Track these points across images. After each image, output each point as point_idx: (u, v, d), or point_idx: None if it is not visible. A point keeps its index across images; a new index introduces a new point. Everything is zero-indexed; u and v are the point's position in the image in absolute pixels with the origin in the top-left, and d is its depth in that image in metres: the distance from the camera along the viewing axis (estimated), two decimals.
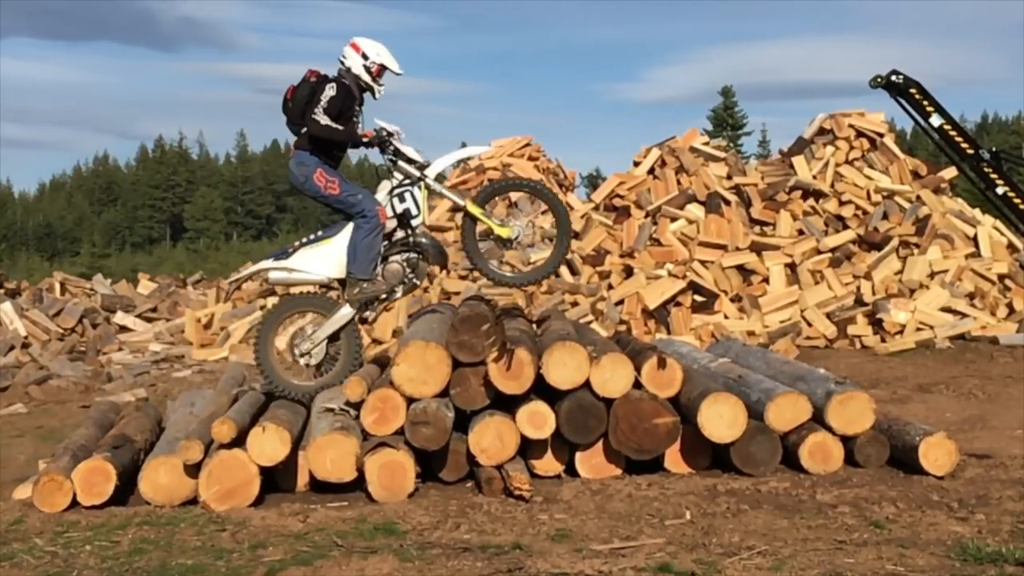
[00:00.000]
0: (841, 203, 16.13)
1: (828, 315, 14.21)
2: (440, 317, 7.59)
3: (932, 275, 14.70)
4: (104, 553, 5.35)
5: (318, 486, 6.54)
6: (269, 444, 6.30)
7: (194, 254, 64.57)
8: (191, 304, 17.68)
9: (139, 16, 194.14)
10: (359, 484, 6.39)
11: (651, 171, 16.94)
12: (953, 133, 16.59)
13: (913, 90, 16.38)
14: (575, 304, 14.29)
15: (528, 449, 6.73)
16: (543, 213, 13.79)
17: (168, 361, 14.83)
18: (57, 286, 18.21)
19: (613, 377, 6.67)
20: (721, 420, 6.62)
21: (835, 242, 15.36)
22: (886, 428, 6.95)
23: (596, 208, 16.63)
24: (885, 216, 15.72)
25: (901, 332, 13.70)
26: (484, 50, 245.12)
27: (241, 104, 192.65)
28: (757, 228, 15.91)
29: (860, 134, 16.88)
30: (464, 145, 9.34)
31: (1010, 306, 14.56)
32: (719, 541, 5.30)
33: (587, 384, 6.66)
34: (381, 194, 7.40)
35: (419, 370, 6.66)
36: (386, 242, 7.36)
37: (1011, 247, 15.87)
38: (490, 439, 6.54)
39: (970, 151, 16.53)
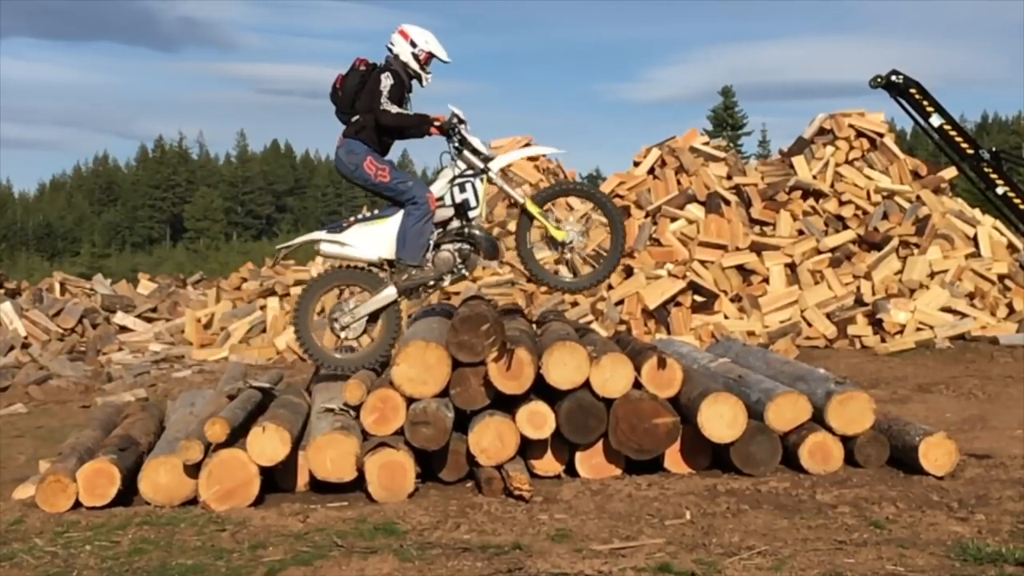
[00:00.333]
0: (841, 203, 16.13)
1: (828, 315, 14.21)
2: (440, 317, 7.59)
3: (932, 275, 14.70)
4: (104, 553, 5.35)
5: (318, 486, 6.53)
6: (269, 444, 6.30)
7: (194, 254, 64.57)
8: (191, 304, 17.68)
9: (139, 16, 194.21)
10: (359, 484, 6.39)
11: (651, 171, 16.94)
12: (953, 133, 16.59)
13: (913, 90, 16.38)
14: (575, 304, 14.29)
15: (528, 449, 6.73)
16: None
17: (168, 361, 14.84)
18: (57, 286, 18.21)
19: (613, 377, 6.67)
20: (721, 420, 6.62)
21: (835, 242, 15.36)
22: (886, 428, 6.95)
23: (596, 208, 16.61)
24: (885, 216, 15.72)
25: (901, 332, 13.70)
26: (484, 50, 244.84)
27: (241, 104, 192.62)
28: (757, 228, 15.91)
29: (860, 134, 16.88)
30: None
31: (1010, 306, 14.56)
32: (719, 541, 5.30)
33: (587, 384, 6.66)
34: (442, 181, 7.35)
35: (419, 370, 6.66)
36: (440, 230, 7.31)
37: (1011, 247, 15.87)
38: (490, 439, 6.54)
39: (970, 151, 16.53)
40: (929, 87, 16.48)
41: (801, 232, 15.64)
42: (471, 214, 7.31)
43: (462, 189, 7.29)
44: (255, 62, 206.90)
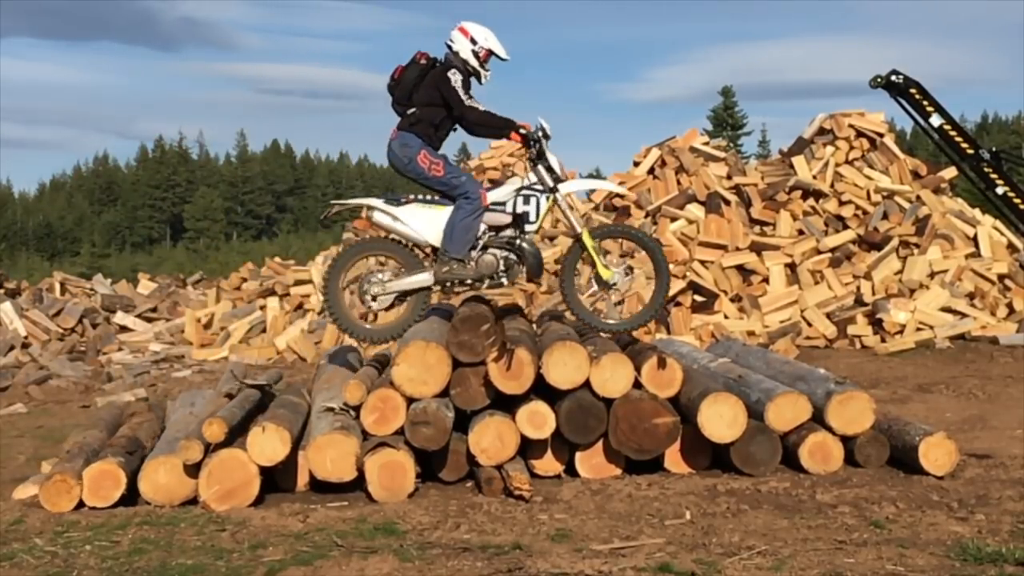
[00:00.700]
0: (841, 203, 16.14)
1: (828, 315, 14.21)
2: (440, 317, 7.58)
3: (932, 275, 14.70)
4: (104, 553, 5.35)
5: (318, 486, 6.53)
6: (269, 444, 6.30)
7: (194, 254, 64.64)
8: (191, 304, 17.68)
9: (139, 16, 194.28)
10: (359, 484, 6.39)
11: (651, 171, 16.95)
12: (953, 133, 16.59)
13: (913, 90, 16.39)
14: None
15: (528, 449, 6.72)
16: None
17: (168, 361, 14.84)
18: (57, 286, 18.22)
19: (613, 377, 6.67)
20: (721, 420, 6.62)
21: (835, 242, 15.36)
22: (886, 428, 6.94)
23: (596, 208, 16.63)
24: (885, 216, 15.73)
25: (901, 332, 13.70)
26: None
27: (241, 104, 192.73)
28: (757, 228, 15.91)
29: (860, 134, 16.89)
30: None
31: (1010, 306, 14.56)
32: (719, 541, 5.30)
33: (587, 384, 6.66)
34: (508, 188, 7.33)
35: (419, 370, 6.66)
36: (493, 233, 7.28)
37: (1011, 247, 15.87)
38: (490, 439, 6.54)
39: (970, 151, 16.54)
40: (929, 87, 16.49)
41: (801, 232, 15.64)
42: (527, 227, 7.27)
43: (526, 201, 7.25)
44: (255, 62, 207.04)
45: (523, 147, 7.28)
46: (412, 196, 7.41)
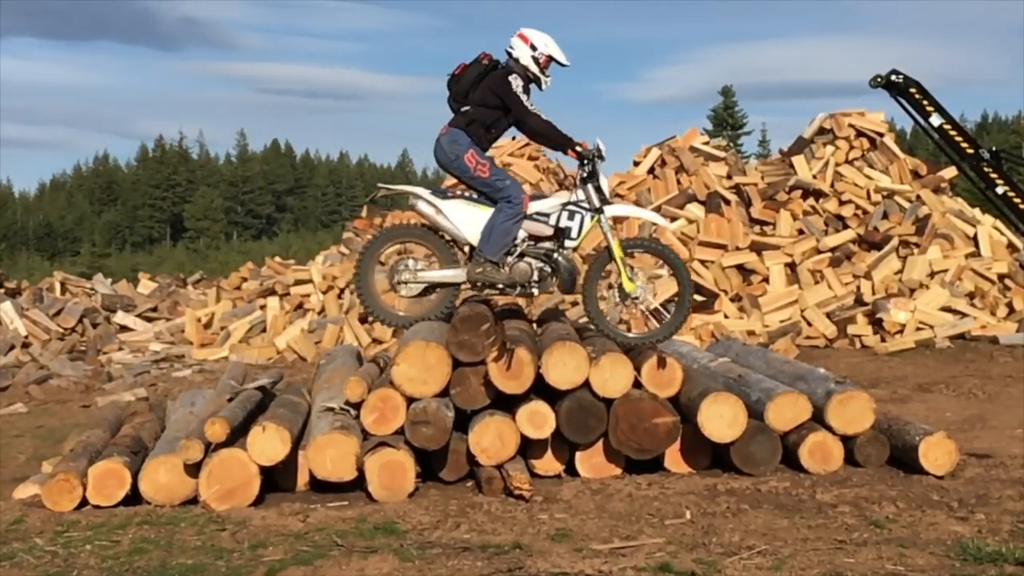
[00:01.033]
0: (841, 203, 16.14)
1: (828, 315, 14.21)
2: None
3: (932, 275, 14.70)
4: (104, 553, 5.35)
5: (318, 486, 6.53)
6: (269, 444, 6.30)
7: (194, 254, 64.62)
8: (191, 304, 17.68)
9: (139, 16, 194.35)
10: (359, 484, 6.39)
11: (651, 171, 16.95)
12: (953, 133, 16.59)
13: (913, 90, 16.39)
14: (575, 304, 14.28)
15: (528, 449, 6.73)
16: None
17: (168, 361, 14.84)
18: (57, 286, 18.21)
19: (613, 377, 6.67)
20: (721, 420, 6.62)
21: (835, 242, 15.36)
22: (886, 428, 6.94)
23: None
24: (885, 216, 15.73)
25: (901, 332, 13.70)
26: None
27: (241, 104, 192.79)
28: (757, 228, 15.91)
29: (860, 134, 16.89)
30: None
31: (1010, 306, 14.56)
32: (719, 541, 5.30)
33: (587, 384, 6.66)
34: (555, 200, 7.33)
35: (419, 370, 6.66)
36: (532, 243, 7.27)
37: (1011, 247, 15.87)
38: (490, 439, 6.54)
39: (970, 151, 16.53)
40: (929, 87, 16.49)
41: (801, 232, 15.64)
42: (568, 243, 7.26)
43: (571, 216, 7.23)
44: (255, 62, 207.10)
45: (577, 164, 7.26)
46: (459, 192, 7.41)
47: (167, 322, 17.08)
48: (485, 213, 7.21)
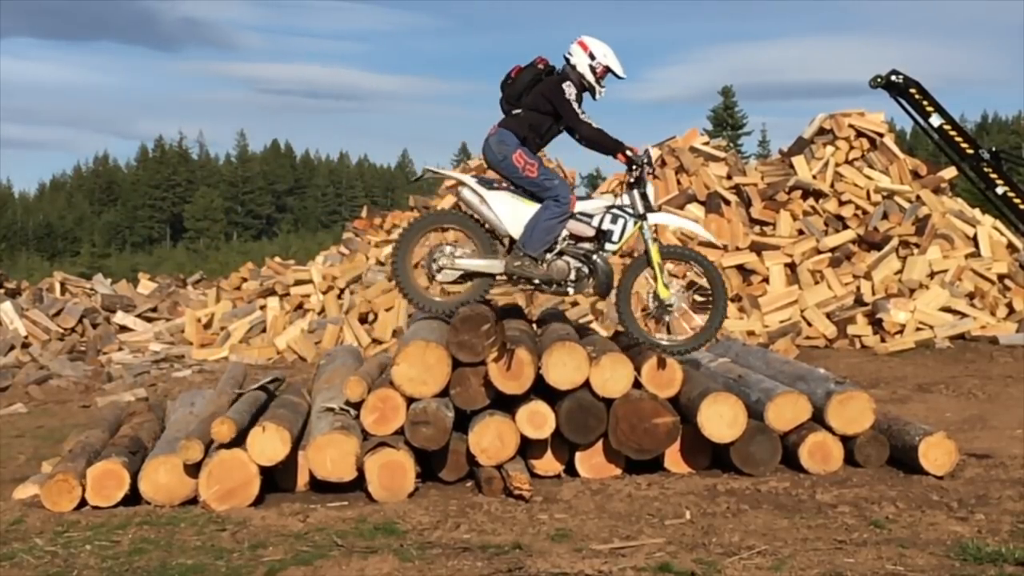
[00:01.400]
0: (841, 203, 16.14)
1: (828, 315, 14.21)
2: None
3: (932, 275, 14.70)
4: (104, 553, 5.35)
5: (318, 486, 6.53)
6: (269, 444, 6.30)
7: (194, 254, 64.62)
8: (191, 304, 17.69)
9: (139, 16, 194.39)
10: (359, 484, 6.39)
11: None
12: (953, 133, 16.59)
13: (913, 90, 16.38)
14: (575, 304, 14.29)
15: (528, 449, 6.73)
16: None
17: (168, 361, 14.84)
18: (57, 286, 18.22)
19: (613, 377, 6.68)
20: (721, 420, 6.62)
21: (835, 242, 15.36)
22: (886, 428, 6.95)
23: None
24: (885, 216, 15.72)
25: (901, 332, 13.69)
26: (484, 50, 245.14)
27: (241, 104, 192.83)
28: (757, 228, 15.91)
29: (860, 134, 16.88)
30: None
31: (1010, 306, 14.56)
32: (719, 541, 5.30)
33: (587, 384, 6.66)
34: (599, 203, 7.33)
35: (419, 370, 6.66)
36: (572, 242, 7.27)
37: (1011, 247, 15.87)
38: (490, 439, 6.54)
39: (970, 151, 16.53)
40: (929, 87, 16.48)
41: (801, 232, 15.64)
42: (608, 246, 7.25)
43: (614, 220, 7.22)
44: (255, 62, 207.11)
45: (625, 170, 7.26)
46: (504, 184, 7.39)
47: (167, 322, 17.09)
48: (528, 208, 7.20)
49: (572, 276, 7.26)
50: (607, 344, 7.23)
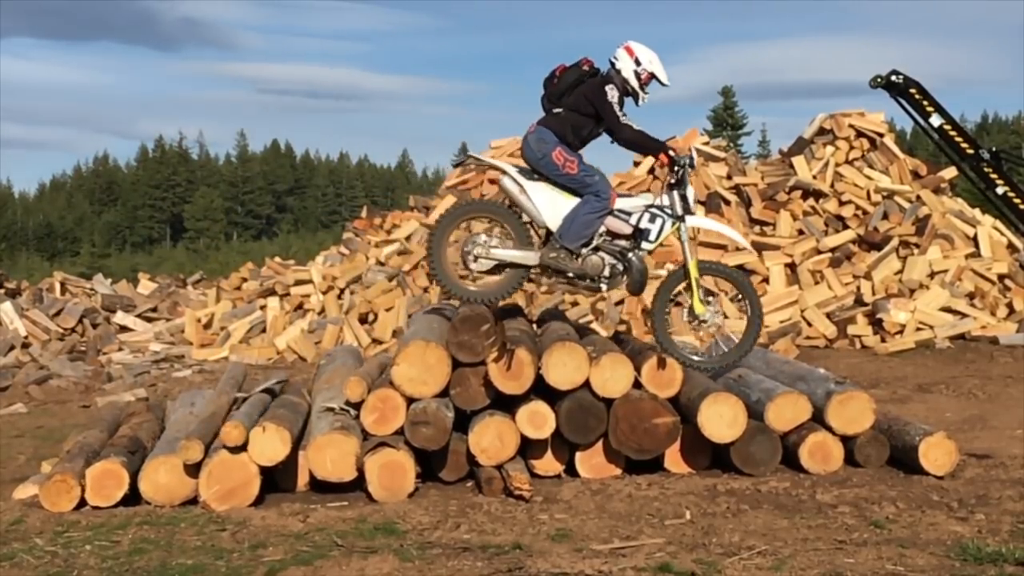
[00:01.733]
0: (841, 203, 16.13)
1: (828, 315, 14.21)
2: (440, 317, 7.58)
3: (932, 275, 14.70)
4: (104, 553, 5.35)
5: (318, 486, 6.53)
6: (269, 444, 6.30)
7: (194, 254, 64.59)
8: (191, 304, 17.68)
9: (139, 16, 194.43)
10: (359, 484, 6.39)
11: (651, 171, 16.92)
12: (953, 133, 16.58)
13: (913, 90, 16.37)
14: (575, 304, 14.29)
15: (528, 449, 6.73)
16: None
17: (168, 361, 14.83)
18: (57, 286, 18.21)
19: (613, 377, 6.67)
20: (721, 420, 6.62)
21: (835, 242, 15.36)
22: (886, 428, 6.95)
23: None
24: (885, 216, 15.72)
25: (901, 332, 13.69)
26: (484, 50, 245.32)
27: (241, 104, 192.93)
28: (757, 228, 15.91)
29: (860, 134, 16.88)
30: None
31: (1010, 306, 14.55)
32: (719, 541, 5.30)
33: (587, 384, 6.66)
34: (639, 201, 7.33)
35: (419, 370, 6.66)
36: (608, 238, 7.26)
37: (1011, 247, 15.86)
38: (490, 439, 6.54)
39: (970, 151, 16.52)
40: (929, 87, 16.48)
41: (801, 232, 15.64)
42: (644, 244, 7.25)
43: (652, 219, 7.22)
44: (255, 62, 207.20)
45: (667, 169, 7.27)
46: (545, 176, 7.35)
47: (167, 322, 17.08)
48: (568, 201, 7.18)
49: (606, 272, 7.24)
50: (607, 344, 7.23)
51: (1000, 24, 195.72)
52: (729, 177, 16.68)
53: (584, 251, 7.18)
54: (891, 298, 14.10)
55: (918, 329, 13.71)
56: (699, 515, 5.82)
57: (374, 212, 19.29)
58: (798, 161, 16.70)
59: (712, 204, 15.90)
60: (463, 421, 6.72)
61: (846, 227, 15.74)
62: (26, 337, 15.69)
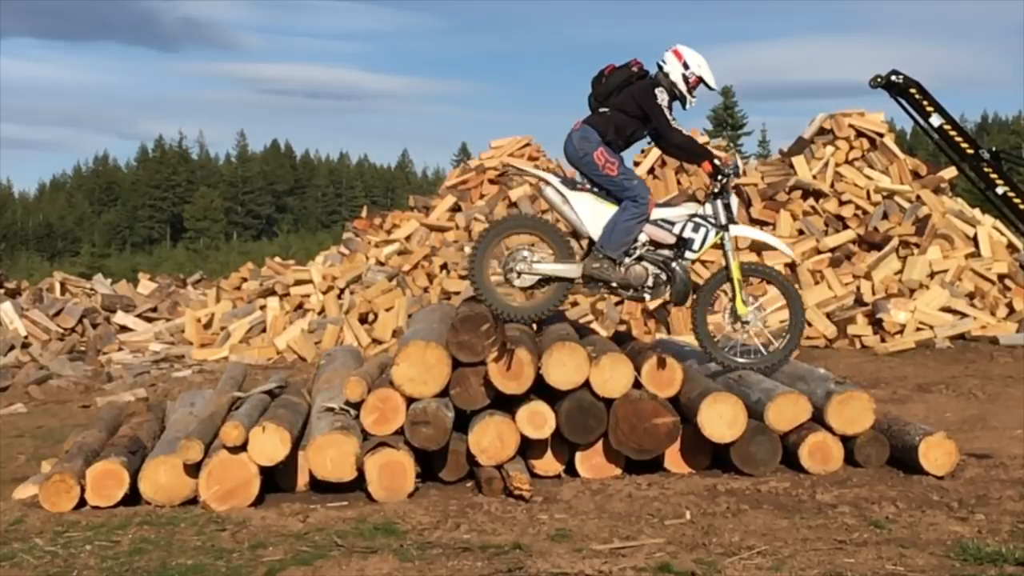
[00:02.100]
0: (841, 203, 16.13)
1: (828, 315, 14.21)
2: (440, 317, 7.58)
3: (932, 275, 14.69)
4: (104, 553, 5.35)
5: (318, 486, 6.53)
6: (269, 444, 6.30)
7: (194, 254, 64.57)
8: (191, 304, 17.68)
9: (139, 16, 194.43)
10: (359, 484, 6.39)
11: (651, 171, 16.94)
12: (953, 133, 16.56)
13: (913, 90, 16.36)
14: (575, 304, 14.29)
15: (528, 449, 6.73)
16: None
17: (168, 361, 14.83)
18: (57, 286, 18.21)
19: (613, 377, 6.67)
20: (721, 420, 6.62)
21: (835, 242, 15.36)
22: (886, 428, 6.95)
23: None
24: (885, 216, 15.72)
25: (901, 332, 13.69)
26: (484, 50, 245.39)
27: (241, 104, 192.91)
28: (757, 228, 15.89)
29: (860, 134, 16.88)
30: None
31: (1010, 306, 14.55)
32: (719, 541, 5.30)
33: (587, 384, 6.66)
34: (682, 210, 7.33)
35: (419, 370, 6.66)
36: (652, 248, 7.25)
37: (1011, 247, 15.86)
38: (490, 439, 6.54)
39: (970, 151, 16.50)
40: (929, 87, 16.46)
41: (801, 232, 15.64)
42: (688, 254, 7.26)
43: (695, 229, 7.23)
44: (255, 62, 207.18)
45: (710, 177, 7.28)
46: (587, 184, 7.35)
47: (167, 322, 17.08)
48: (610, 209, 7.18)
49: (650, 282, 7.25)
50: (607, 344, 7.23)
51: (1000, 24, 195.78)
52: None
53: (627, 260, 7.18)
54: (891, 298, 14.10)
55: (918, 329, 13.70)
56: (699, 515, 5.82)
57: (374, 212, 19.28)
58: (798, 161, 16.70)
59: None
60: (463, 421, 6.72)
61: (846, 227, 15.74)
62: (26, 337, 15.68)
